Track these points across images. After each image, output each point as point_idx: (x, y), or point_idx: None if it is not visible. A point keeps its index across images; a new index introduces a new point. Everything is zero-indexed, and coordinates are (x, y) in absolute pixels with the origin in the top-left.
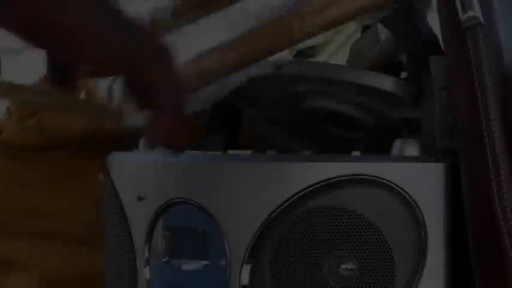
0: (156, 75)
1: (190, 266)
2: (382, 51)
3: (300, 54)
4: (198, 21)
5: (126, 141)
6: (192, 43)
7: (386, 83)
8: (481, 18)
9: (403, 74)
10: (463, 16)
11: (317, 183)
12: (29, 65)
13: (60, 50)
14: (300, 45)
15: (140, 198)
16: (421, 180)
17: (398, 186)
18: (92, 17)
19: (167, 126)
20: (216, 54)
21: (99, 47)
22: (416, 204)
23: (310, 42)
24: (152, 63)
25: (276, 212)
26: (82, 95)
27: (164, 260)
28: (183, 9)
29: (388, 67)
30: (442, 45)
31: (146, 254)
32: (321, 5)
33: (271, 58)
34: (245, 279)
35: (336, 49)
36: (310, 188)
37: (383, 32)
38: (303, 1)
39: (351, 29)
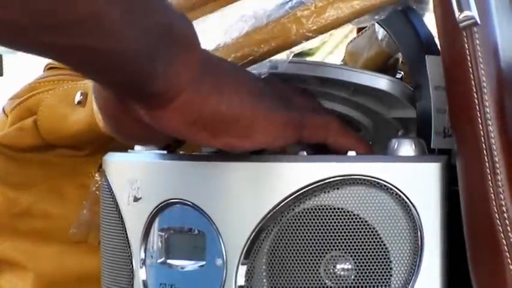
0: (327, 129)
1: (186, 266)
2: (378, 51)
3: (297, 55)
4: (194, 21)
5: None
6: None
7: (382, 82)
8: (477, 18)
9: (399, 75)
10: (459, 16)
11: (313, 183)
12: (29, 64)
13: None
14: (297, 49)
15: (136, 199)
16: (417, 180)
17: (394, 186)
18: (252, 106)
19: None
20: None
21: (263, 133)
22: (412, 204)
23: (307, 45)
24: (319, 119)
25: (272, 212)
26: (78, 96)
27: (160, 260)
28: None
29: (384, 66)
30: (438, 44)
31: (142, 255)
32: (319, 8)
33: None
34: (241, 279)
35: (332, 49)
36: (306, 188)
37: (380, 31)
38: (300, 4)
39: (347, 30)
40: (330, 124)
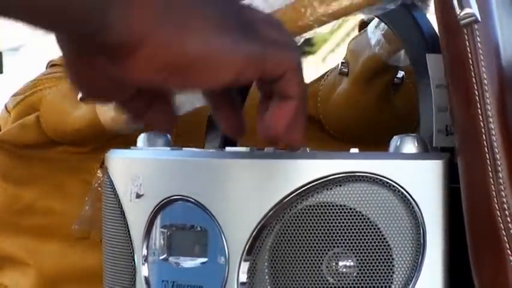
0: (287, 64)
1: (188, 263)
2: (375, 55)
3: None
4: None
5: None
6: None
7: None
8: (478, 15)
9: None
10: (459, 13)
11: (315, 180)
12: (28, 62)
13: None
14: (309, 34)
15: (138, 195)
16: (419, 177)
17: (396, 184)
18: (217, 42)
19: (293, 115)
20: None
21: (229, 68)
22: (415, 201)
23: (319, 30)
24: (280, 55)
25: (275, 209)
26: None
27: (162, 257)
28: None
29: (381, 69)
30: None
31: (144, 251)
32: None
33: None
34: (243, 276)
35: (333, 47)
36: (309, 185)
37: (374, 37)
38: None
39: (349, 28)
40: (289, 63)
